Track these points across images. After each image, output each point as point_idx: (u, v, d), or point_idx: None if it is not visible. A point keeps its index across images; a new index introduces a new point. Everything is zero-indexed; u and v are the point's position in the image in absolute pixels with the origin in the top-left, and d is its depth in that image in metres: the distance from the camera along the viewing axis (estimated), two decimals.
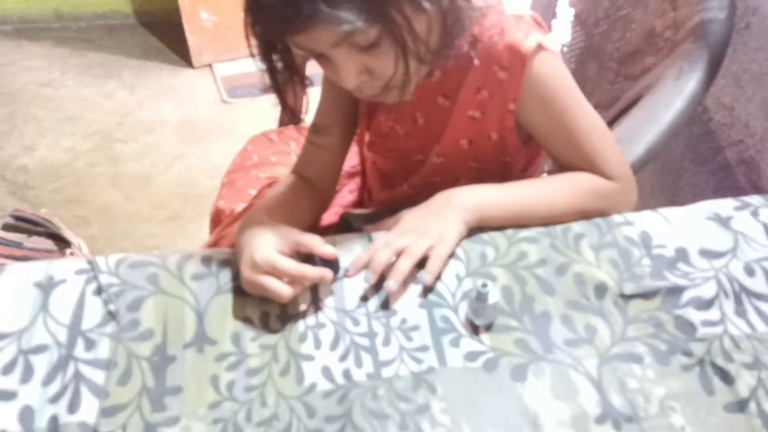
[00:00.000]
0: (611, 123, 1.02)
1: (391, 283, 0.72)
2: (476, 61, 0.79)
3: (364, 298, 0.74)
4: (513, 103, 0.82)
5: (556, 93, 0.82)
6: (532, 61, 0.79)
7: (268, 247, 0.72)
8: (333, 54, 0.71)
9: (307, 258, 0.74)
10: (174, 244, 1.86)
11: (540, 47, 0.80)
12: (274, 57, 0.77)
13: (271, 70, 0.78)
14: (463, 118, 0.86)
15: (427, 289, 0.75)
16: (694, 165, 1.27)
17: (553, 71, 0.82)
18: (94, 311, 0.72)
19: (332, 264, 0.74)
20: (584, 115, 0.83)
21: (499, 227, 0.81)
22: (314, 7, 0.63)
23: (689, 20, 1.00)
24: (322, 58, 0.74)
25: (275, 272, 0.71)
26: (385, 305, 0.74)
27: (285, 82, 0.80)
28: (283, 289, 0.70)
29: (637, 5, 1.12)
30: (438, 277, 0.75)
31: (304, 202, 0.91)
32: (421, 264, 0.75)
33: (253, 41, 0.74)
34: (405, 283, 0.74)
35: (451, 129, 0.87)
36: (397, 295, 0.74)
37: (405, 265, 0.73)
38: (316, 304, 0.74)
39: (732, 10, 0.98)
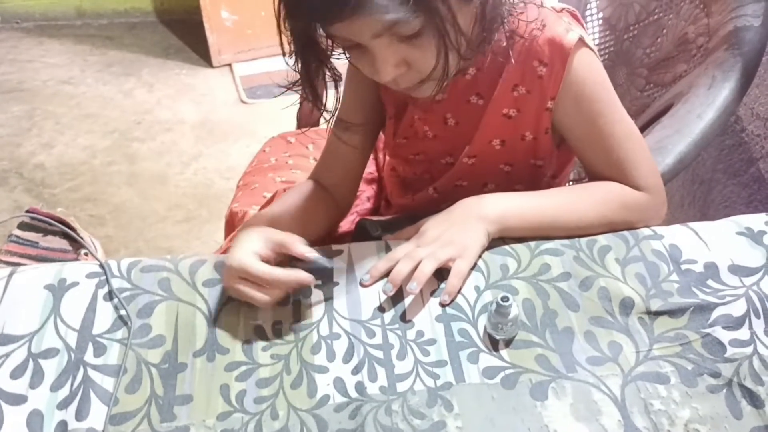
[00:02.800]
0: (641, 132, 0.99)
1: (413, 285, 0.70)
2: (512, 59, 0.77)
3: (380, 309, 0.72)
4: (551, 100, 0.80)
5: (594, 93, 0.79)
6: (573, 56, 0.77)
7: (246, 252, 0.71)
8: (372, 44, 0.69)
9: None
10: (188, 246, 1.85)
11: (581, 42, 0.77)
12: (307, 50, 0.75)
13: (304, 63, 0.76)
14: (497, 117, 0.83)
15: (448, 305, 0.73)
16: (726, 177, 1.23)
17: (593, 70, 0.80)
18: (105, 316, 0.71)
19: (323, 266, 0.72)
20: (620, 119, 0.81)
21: (522, 237, 0.79)
22: None
23: (723, 27, 0.97)
24: (357, 50, 0.72)
25: (250, 278, 0.69)
26: (402, 316, 0.71)
27: (315, 75, 0.78)
28: (257, 296, 0.69)
29: (669, 10, 1.09)
30: (456, 295, 0.73)
31: (320, 210, 0.89)
32: (437, 274, 0.73)
33: (284, 37, 0.72)
34: (424, 290, 0.72)
35: (484, 128, 0.84)
36: (414, 309, 0.72)
37: (428, 268, 0.71)
38: (330, 314, 0.72)
39: (767, 18, 0.95)
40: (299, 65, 0.77)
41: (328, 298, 0.73)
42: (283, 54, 0.75)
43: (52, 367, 0.66)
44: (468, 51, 0.73)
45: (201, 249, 1.83)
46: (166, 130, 2.28)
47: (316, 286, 0.74)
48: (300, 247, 0.72)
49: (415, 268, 0.72)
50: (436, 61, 0.70)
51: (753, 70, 0.94)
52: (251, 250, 0.71)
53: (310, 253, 0.72)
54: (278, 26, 0.71)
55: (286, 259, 0.74)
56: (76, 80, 2.51)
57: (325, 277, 0.74)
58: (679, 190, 1.39)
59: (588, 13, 1.20)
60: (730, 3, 0.97)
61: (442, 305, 0.72)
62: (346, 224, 1.03)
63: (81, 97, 2.43)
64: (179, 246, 1.85)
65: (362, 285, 0.74)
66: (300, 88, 0.80)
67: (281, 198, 0.88)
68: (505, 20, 0.74)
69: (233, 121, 2.33)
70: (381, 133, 1.01)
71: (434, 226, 0.77)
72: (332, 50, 0.76)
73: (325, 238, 0.90)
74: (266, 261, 0.71)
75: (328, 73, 0.79)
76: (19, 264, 1.66)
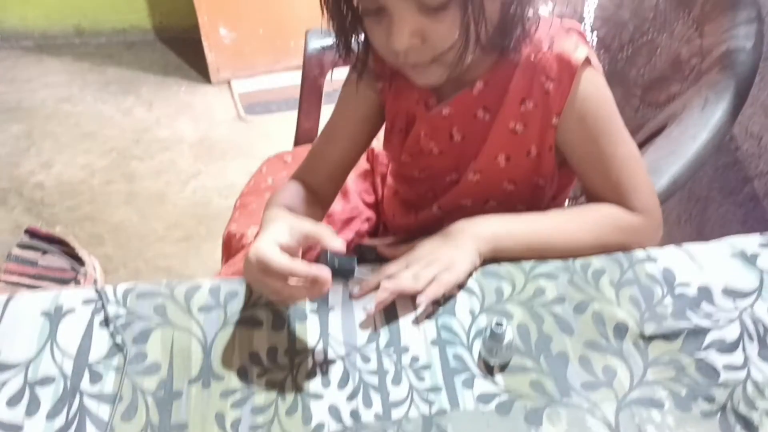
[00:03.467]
0: None
1: (382, 293, 0.71)
2: (521, 69, 0.78)
3: (375, 334, 0.72)
4: (556, 116, 0.81)
5: (598, 112, 0.80)
6: (580, 74, 0.78)
7: (267, 243, 0.67)
8: (396, 6, 0.69)
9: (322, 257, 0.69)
10: (187, 265, 1.85)
11: (588, 61, 0.78)
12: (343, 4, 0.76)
13: (339, 18, 0.77)
14: (504, 131, 0.84)
15: (427, 317, 0.74)
16: (722, 195, 1.24)
17: (599, 89, 0.80)
18: (101, 343, 0.71)
19: (347, 264, 0.69)
20: (621, 141, 0.81)
21: (516, 258, 0.79)
22: None
23: (716, 48, 0.98)
24: (377, 16, 0.72)
25: (269, 270, 0.66)
26: (397, 341, 0.72)
27: (349, 30, 0.79)
28: (276, 292, 0.67)
29: (663, 30, 1.10)
30: (435, 308, 0.74)
31: (310, 210, 0.89)
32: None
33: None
34: (420, 315, 0.73)
35: (490, 143, 0.85)
36: (409, 333, 0.72)
37: (406, 284, 0.72)
38: (325, 339, 0.72)
39: (759, 39, 0.96)
40: (333, 20, 0.78)
41: (324, 323, 0.73)
42: (321, 8, 0.76)
43: (48, 396, 0.66)
44: (486, 45, 0.74)
45: (199, 268, 1.84)
46: (164, 149, 2.29)
47: (312, 311, 0.74)
48: (333, 240, 0.68)
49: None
50: (455, 40, 0.70)
51: (746, 92, 0.95)
52: (273, 240, 0.68)
53: (342, 247, 0.68)
54: None
55: (296, 253, 0.71)
56: (75, 99, 2.52)
57: (345, 277, 0.70)
58: (675, 207, 1.40)
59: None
60: (723, 24, 0.98)
61: (417, 305, 0.72)
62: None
63: (79, 115, 2.44)
64: (178, 265, 1.85)
65: (351, 297, 0.74)
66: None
67: (274, 199, 0.87)
68: (526, 24, 0.75)
69: (232, 138, 2.34)
70: (382, 157, 1.02)
71: (425, 245, 0.78)
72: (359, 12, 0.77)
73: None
74: (290, 252, 0.68)
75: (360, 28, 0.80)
76: (18, 283, 1.66)
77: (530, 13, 0.75)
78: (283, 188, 0.91)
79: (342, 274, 0.68)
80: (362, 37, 0.81)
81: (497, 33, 0.75)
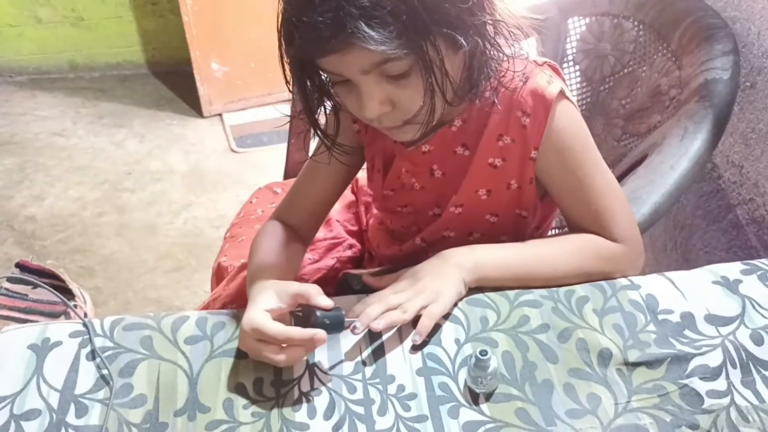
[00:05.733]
0: (618, 181, 1.02)
1: (376, 323, 0.71)
2: (499, 107, 0.79)
3: (361, 363, 0.73)
4: (535, 150, 0.82)
5: (574, 144, 0.81)
6: (554, 107, 0.79)
7: (258, 311, 0.71)
8: (361, 80, 0.71)
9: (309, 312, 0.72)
10: (177, 295, 1.85)
11: (562, 95, 0.80)
12: (307, 79, 0.77)
13: (303, 93, 0.78)
14: (483, 167, 0.85)
15: (419, 348, 0.74)
16: (706, 223, 1.25)
17: (574, 121, 0.82)
18: (87, 375, 0.71)
19: (336, 318, 0.72)
20: (599, 171, 0.82)
21: (500, 287, 0.80)
22: (356, 25, 0.64)
23: (694, 80, 1.00)
24: (345, 86, 0.74)
25: (264, 338, 0.69)
26: (383, 370, 0.72)
27: (317, 105, 0.80)
28: (274, 357, 0.69)
29: (643, 63, 1.12)
30: (429, 338, 0.74)
31: (293, 250, 0.90)
32: (413, 323, 0.74)
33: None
34: (404, 345, 0.74)
35: (470, 178, 0.86)
36: (394, 362, 0.72)
37: (395, 316, 0.73)
38: (311, 369, 0.72)
39: (736, 70, 0.98)
40: (299, 95, 0.79)
41: (310, 353, 0.74)
42: (287, 83, 0.77)
43: (33, 429, 0.66)
44: (455, 98, 0.75)
45: (190, 299, 1.83)
46: (156, 180, 2.30)
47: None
48: (320, 298, 0.71)
49: (387, 311, 0.73)
50: (422, 103, 0.72)
51: (724, 121, 0.97)
52: (263, 308, 0.71)
53: (328, 303, 0.71)
54: (280, 56, 0.73)
55: (287, 316, 0.74)
56: (68, 132, 2.54)
57: (337, 330, 0.73)
58: (661, 235, 1.41)
59: (565, 65, 1.24)
60: (700, 56, 1.01)
61: (414, 347, 0.73)
62: (329, 271, 1.04)
63: (72, 149, 2.45)
64: (168, 296, 1.84)
65: (354, 333, 0.72)
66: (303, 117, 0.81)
67: (256, 245, 0.88)
68: (492, 73, 0.76)
69: (223, 170, 2.35)
70: (366, 188, 1.02)
71: (411, 275, 0.79)
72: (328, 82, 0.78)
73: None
74: (281, 316, 0.72)
75: (328, 102, 0.81)
76: (8, 317, 1.65)
77: (497, 58, 0.76)
78: (263, 231, 0.91)
79: (332, 329, 0.71)
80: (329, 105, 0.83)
81: (465, 85, 0.77)
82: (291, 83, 0.77)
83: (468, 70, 0.75)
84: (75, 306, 1.65)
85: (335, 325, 0.71)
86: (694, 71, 1.00)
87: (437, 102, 0.73)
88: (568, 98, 0.81)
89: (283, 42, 0.72)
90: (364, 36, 0.64)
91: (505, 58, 0.77)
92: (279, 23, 0.71)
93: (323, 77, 0.77)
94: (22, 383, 0.70)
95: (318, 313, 0.71)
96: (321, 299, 0.71)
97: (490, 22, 0.73)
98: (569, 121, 0.81)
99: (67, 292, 1.68)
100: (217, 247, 1.27)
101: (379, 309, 0.73)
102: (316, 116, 0.82)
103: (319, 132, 0.84)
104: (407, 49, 0.67)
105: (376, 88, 0.71)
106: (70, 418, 0.67)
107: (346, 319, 0.72)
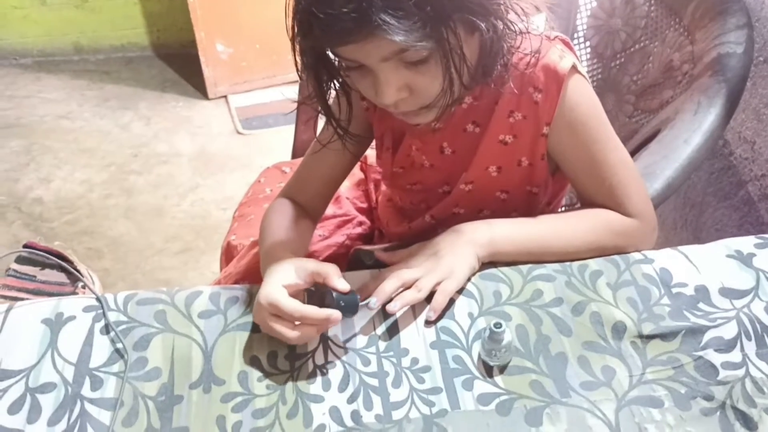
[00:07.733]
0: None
1: (392, 305, 0.71)
2: (511, 84, 0.78)
3: (375, 337, 0.73)
4: (547, 126, 0.81)
5: (588, 119, 0.81)
6: (567, 82, 0.79)
7: (275, 287, 0.71)
8: (379, 67, 0.70)
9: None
10: (185, 277, 1.85)
11: (574, 69, 0.79)
12: (319, 65, 0.76)
13: (317, 77, 0.78)
14: (494, 144, 0.84)
15: (432, 322, 0.74)
16: (717, 200, 1.24)
17: (587, 96, 0.81)
18: (101, 349, 0.71)
19: (351, 302, 0.71)
20: (613, 147, 0.82)
21: (513, 262, 0.80)
22: (381, 17, 0.63)
23: (707, 54, 0.99)
24: (360, 71, 0.73)
25: (280, 314, 0.69)
26: (396, 344, 0.72)
27: (327, 89, 0.80)
28: (287, 333, 0.69)
29: (655, 38, 1.11)
30: (442, 314, 0.74)
31: (304, 228, 0.90)
32: (428, 299, 0.74)
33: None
34: (418, 319, 0.73)
35: (481, 155, 0.85)
36: (408, 336, 0.72)
37: (410, 296, 0.73)
38: (325, 342, 0.72)
39: (750, 44, 0.97)
40: (312, 83, 0.78)
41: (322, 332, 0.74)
42: (297, 70, 0.76)
43: (49, 402, 0.66)
44: (471, 81, 0.75)
45: (198, 280, 1.84)
46: (162, 163, 2.29)
47: None
48: (338, 280, 0.71)
49: (404, 288, 0.73)
50: (441, 89, 0.71)
51: (737, 96, 0.96)
52: (280, 284, 0.71)
53: (345, 286, 0.71)
54: (292, 44, 0.72)
55: (302, 293, 0.74)
56: (74, 115, 2.54)
57: (351, 314, 0.72)
58: (672, 213, 1.40)
59: (575, 41, 1.22)
60: (714, 31, 0.99)
61: (428, 322, 0.73)
62: (339, 248, 1.04)
63: (78, 131, 2.45)
64: (176, 278, 1.85)
65: (370, 309, 0.73)
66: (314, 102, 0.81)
67: (267, 222, 0.88)
68: (506, 53, 0.75)
69: (229, 152, 2.35)
70: (376, 166, 1.02)
71: (424, 250, 0.78)
72: (342, 67, 0.77)
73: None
74: (296, 292, 0.72)
75: (338, 86, 0.80)
76: (17, 298, 1.66)
77: (509, 37, 0.75)
78: (273, 209, 0.91)
79: (347, 311, 0.71)
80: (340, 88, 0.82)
81: (480, 69, 0.76)
82: (302, 71, 0.76)
83: (483, 51, 0.74)
84: (83, 287, 1.66)
85: (349, 308, 0.71)
86: (707, 45, 0.99)
87: (455, 86, 0.72)
88: (580, 73, 0.80)
89: (297, 32, 0.71)
90: (390, 27, 0.63)
91: (518, 36, 0.76)
92: (292, 14, 0.70)
93: (335, 62, 0.76)
94: (37, 357, 0.70)
95: (334, 294, 0.71)
96: (339, 282, 0.71)
97: (504, 1, 0.72)
98: (582, 96, 0.80)
99: (75, 274, 1.69)
100: (225, 228, 1.27)
101: (393, 285, 0.73)
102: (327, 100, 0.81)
103: (333, 122, 0.84)
104: (430, 38, 0.66)
105: (395, 74, 0.71)
106: (86, 390, 0.68)
107: (360, 302, 0.72)
